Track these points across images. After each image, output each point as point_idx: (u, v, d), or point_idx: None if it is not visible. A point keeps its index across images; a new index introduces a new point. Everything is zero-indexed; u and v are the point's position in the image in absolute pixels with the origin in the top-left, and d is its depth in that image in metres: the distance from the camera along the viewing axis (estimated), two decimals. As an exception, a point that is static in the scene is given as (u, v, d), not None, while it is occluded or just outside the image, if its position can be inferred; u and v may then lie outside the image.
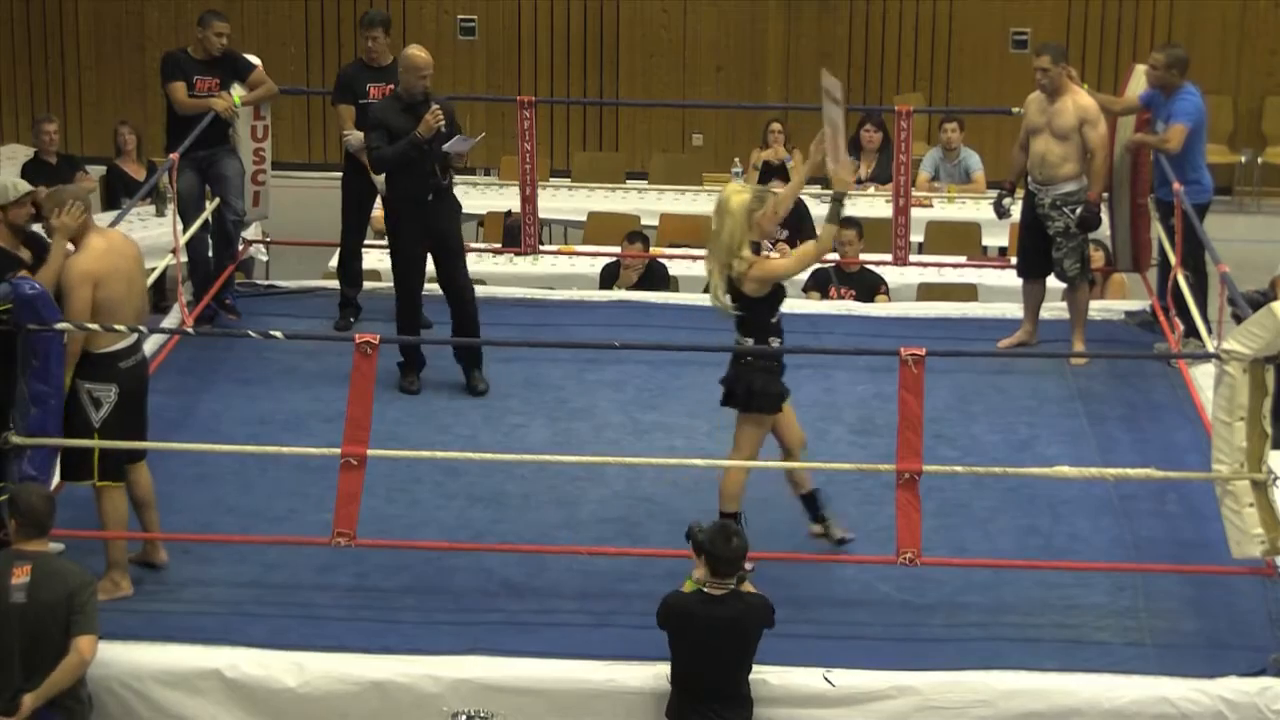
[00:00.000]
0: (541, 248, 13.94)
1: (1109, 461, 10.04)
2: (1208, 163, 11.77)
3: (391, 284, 12.25)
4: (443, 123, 10.76)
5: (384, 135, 10.81)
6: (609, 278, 13.56)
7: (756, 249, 8.88)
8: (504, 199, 15.48)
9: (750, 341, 8.96)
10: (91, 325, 8.63)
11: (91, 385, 8.77)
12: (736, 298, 8.84)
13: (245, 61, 12.04)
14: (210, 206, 12.01)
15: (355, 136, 11.72)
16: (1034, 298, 11.84)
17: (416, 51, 10.99)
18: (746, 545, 8.04)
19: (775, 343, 9.00)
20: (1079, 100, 11.37)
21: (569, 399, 11.11)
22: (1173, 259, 11.36)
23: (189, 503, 9.31)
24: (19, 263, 9.00)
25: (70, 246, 8.83)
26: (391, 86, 11.80)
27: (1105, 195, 11.72)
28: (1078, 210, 11.40)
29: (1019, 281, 11.96)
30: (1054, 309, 12.01)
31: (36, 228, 9.37)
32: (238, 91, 11.88)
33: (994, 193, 15.81)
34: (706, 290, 9.06)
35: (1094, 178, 11.42)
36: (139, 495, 9.06)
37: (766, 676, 8.21)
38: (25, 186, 9.25)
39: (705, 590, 8.01)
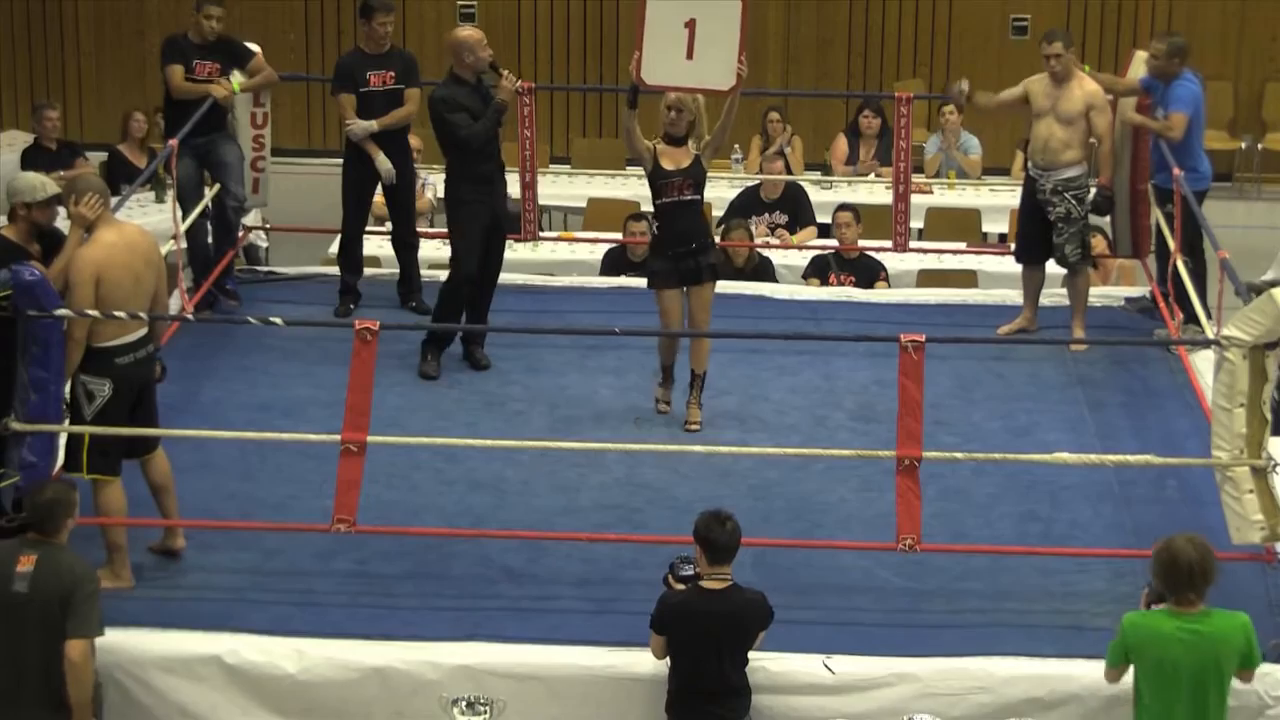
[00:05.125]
0: (541, 234, 13.94)
1: (1109, 448, 10.04)
2: (1208, 149, 11.77)
3: (392, 271, 12.33)
4: (519, 82, 11.10)
5: (467, 116, 10.92)
6: (614, 261, 13.54)
7: (671, 140, 10.31)
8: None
9: None
10: (91, 312, 8.63)
11: (87, 378, 8.76)
12: None
13: (245, 49, 12.03)
14: (210, 193, 12.01)
15: (359, 125, 11.71)
16: (1033, 283, 11.84)
17: (467, 31, 11.17)
18: (740, 532, 8.01)
19: (657, 224, 10.50)
20: (1086, 86, 11.36)
21: (569, 385, 11.11)
22: (1172, 245, 11.36)
23: (189, 489, 9.30)
24: (28, 258, 8.94)
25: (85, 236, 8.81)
26: (393, 74, 11.80)
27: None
28: (1084, 197, 11.40)
29: (1019, 267, 11.96)
30: (1054, 295, 12.01)
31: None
32: (237, 78, 11.88)
33: (990, 179, 15.93)
34: None
35: (1102, 164, 11.43)
36: (156, 481, 9.06)
37: (766, 663, 8.21)
38: (54, 189, 9.03)
39: (703, 585, 8.01)
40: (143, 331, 8.88)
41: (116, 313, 8.65)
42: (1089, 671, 8.24)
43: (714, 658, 7.95)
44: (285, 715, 8.38)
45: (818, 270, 13.36)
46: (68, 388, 8.83)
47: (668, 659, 8.06)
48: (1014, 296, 12.14)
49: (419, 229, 12.67)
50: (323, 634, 8.50)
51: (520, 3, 19.19)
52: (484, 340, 11.29)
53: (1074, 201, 11.43)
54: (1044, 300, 11.90)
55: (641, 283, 12.87)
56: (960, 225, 15.02)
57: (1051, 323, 11.82)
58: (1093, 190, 11.56)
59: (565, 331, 11.39)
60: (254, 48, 12.19)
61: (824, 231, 14.43)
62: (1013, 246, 12.34)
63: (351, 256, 12.11)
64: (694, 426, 10.48)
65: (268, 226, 14.25)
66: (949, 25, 18.96)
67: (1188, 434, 10.22)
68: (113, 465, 8.84)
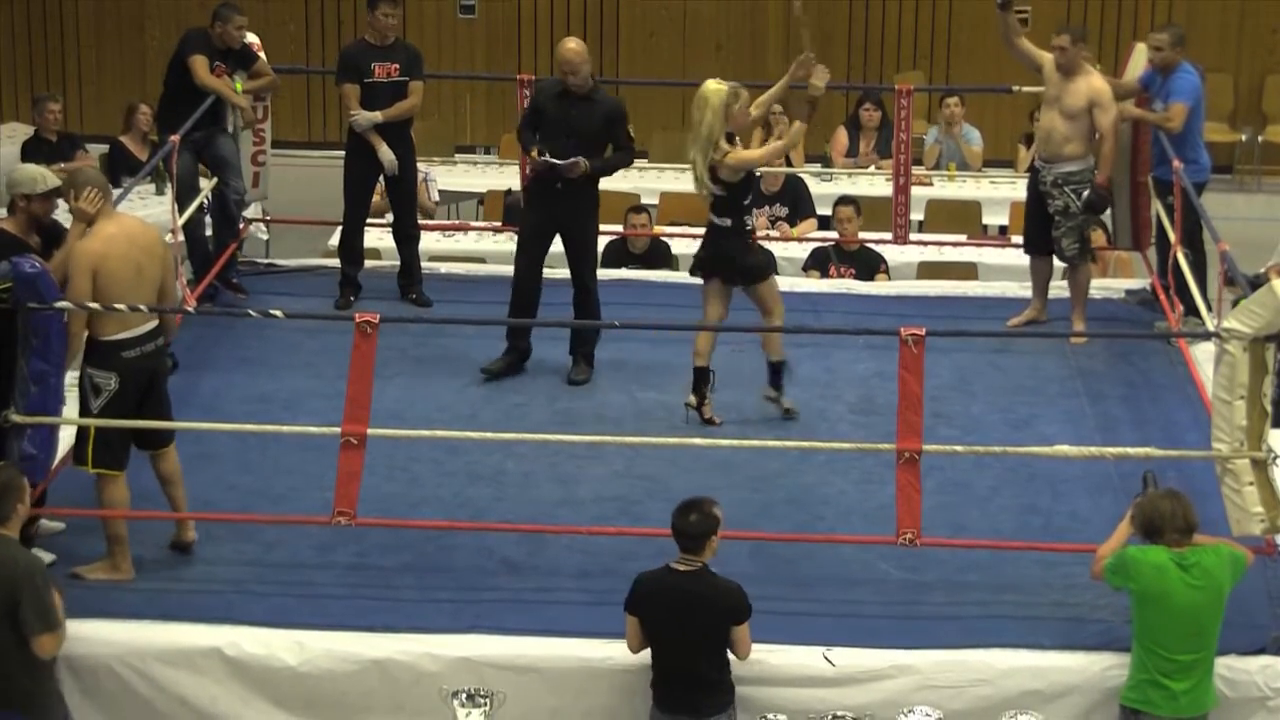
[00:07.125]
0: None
1: (1109, 440, 10.04)
2: (1207, 141, 11.77)
3: (393, 263, 12.35)
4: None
5: (535, 117, 11.04)
6: (615, 254, 13.52)
7: (731, 139, 10.25)
8: (504, 177, 15.49)
9: (728, 221, 10.26)
10: (92, 304, 8.62)
11: (94, 371, 8.75)
12: (715, 181, 10.15)
13: (252, 54, 12.06)
14: (208, 186, 12.00)
15: (364, 116, 11.72)
16: (1041, 274, 11.83)
17: (569, 44, 11.08)
18: (713, 522, 7.99)
19: (748, 221, 10.30)
20: (1093, 83, 11.36)
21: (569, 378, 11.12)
22: (1172, 237, 11.36)
23: (189, 481, 9.28)
24: (27, 250, 8.93)
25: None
26: (397, 66, 11.80)
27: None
28: (1083, 192, 11.40)
29: (1019, 260, 11.99)
30: (1054, 288, 12.00)
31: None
32: (239, 81, 11.92)
33: (990, 171, 15.92)
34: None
35: (1102, 162, 11.41)
36: (165, 473, 9.04)
37: (766, 655, 8.21)
38: (54, 181, 9.01)
39: (672, 565, 8.02)
40: (151, 325, 8.85)
41: (116, 305, 8.64)
42: (1089, 664, 8.27)
43: (684, 639, 7.92)
44: (285, 707, 8.39)
45: (818, 262, 13.35)
46: (75, 380, 8.82)
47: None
48: (1014, 288, 12.14)
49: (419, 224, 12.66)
50: (323, 626, 8.50)
51: (521, -2, 19.23)
52: (596, 342, 11.23)
53: (1073, 196, 11.43)
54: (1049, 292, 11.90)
55: (642, 275, 12.99)
56: (960, 217, 15.02)
57: (1052, 315, 11.82)
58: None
59: (565, 324, 11.38)
60: (252, 38, 12.19)
61: (824, 224, 14.42)
62: (1014, 239, 12.33)
63: (352, 248, 12.12)
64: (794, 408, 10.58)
65: (268, 219, 14.24)
66: (949, 19, 18.95)
67: (1188, 426, 10.22)
68: (117, 459, 8.83)
